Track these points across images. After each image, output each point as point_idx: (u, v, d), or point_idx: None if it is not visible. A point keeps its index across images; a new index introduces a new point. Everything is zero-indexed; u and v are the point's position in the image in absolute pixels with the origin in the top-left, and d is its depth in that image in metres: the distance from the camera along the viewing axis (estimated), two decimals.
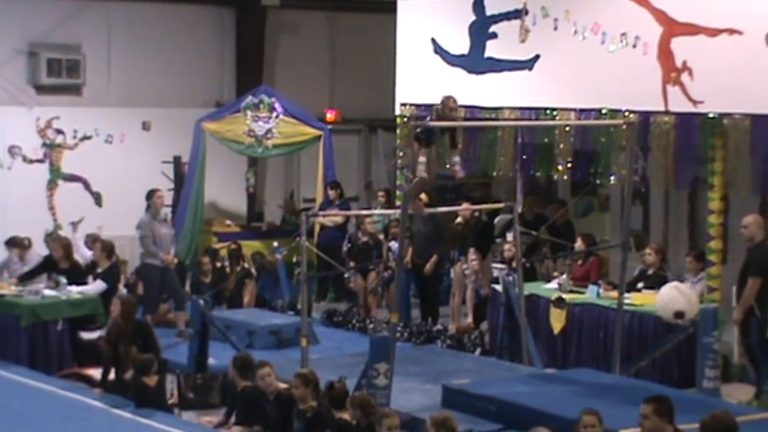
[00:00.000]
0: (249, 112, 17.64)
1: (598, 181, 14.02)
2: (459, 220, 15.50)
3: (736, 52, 12.09)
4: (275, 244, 17.12)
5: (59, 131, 18.03)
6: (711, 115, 12.34)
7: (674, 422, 7.87)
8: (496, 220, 16.21)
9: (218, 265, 16.28)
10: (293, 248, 15.70)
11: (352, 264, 15.78)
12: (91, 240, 15.13)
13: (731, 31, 12.12)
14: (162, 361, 11.48)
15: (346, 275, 15.98)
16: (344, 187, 17.94)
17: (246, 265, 16.49)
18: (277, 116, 17.68)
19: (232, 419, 10.58)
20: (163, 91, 18.72)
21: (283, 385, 10.26)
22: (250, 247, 17.53)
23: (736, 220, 12.71)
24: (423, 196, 15.32)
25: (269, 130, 17.66)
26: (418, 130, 11.09)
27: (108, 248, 14.05)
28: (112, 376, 11.69)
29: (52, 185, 18.03)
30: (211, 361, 12.33)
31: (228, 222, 18.67)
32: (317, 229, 17.09)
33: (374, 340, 11.06)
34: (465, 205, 15.39)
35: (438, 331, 14.63)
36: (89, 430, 10.63)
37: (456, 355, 13.66)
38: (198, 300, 12.85)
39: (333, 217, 16.73)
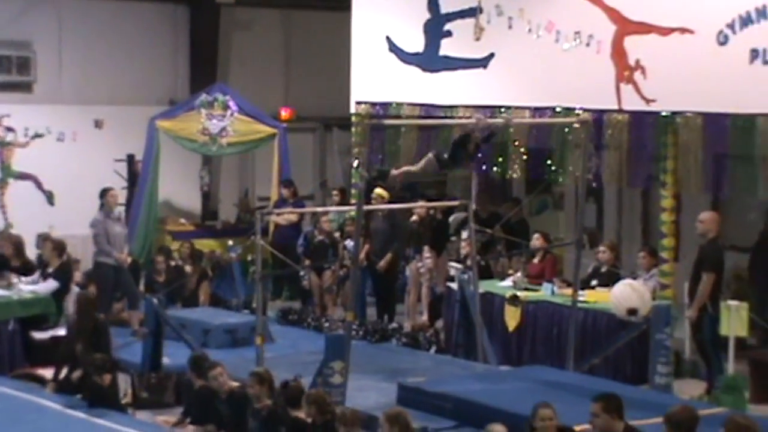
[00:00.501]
0: (203, 110, 17.56)
1: (552, 179, 14.08)
2: (414, 218, 15.51)
3: (689, 51, 12.18)
4: (230, 242, 17.06)
5: (10, 129, 17.85)
6: (664, 114, 12.43)
7: (624, 418, 7.93)
8: (451, 218, 16.25)
9: (173, 263, 16.19)
10: (248, 247, 15.67)
11: (307, 262, 15.76)
12: (42, 239, 15.00)
13: (683, 30, 12.21)
14: (114, 360, 11.40)
15: (301, 273, 15.94)
16: (299, 186, 17.90)
17: (202, 264, 16.42)
18: (231, 114, 17.61)
19: (189, 419, 10.54)
20: (116, 89, 18.58)
21: (236, 384, 10.22)
22: (204, 245, 17.46)
23: (689, 217, 12.83)
24: (382, 192, 15.38)
25: (224, 129, 17.59)
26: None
27: (59, 247, 13.94)
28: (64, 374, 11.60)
29: (3, 184, 17.86)
30: (165, 360, 12.26)
31: (182, 220, 18.58)
32: (272, 227, 17.04)
33: (330, 338, 11.05)
34: (420, 203, 15.41)
35: (393, 329, 14.64)
36: (42, 431, 10.53)
37: (411, 353, 13.67)
38: (152, 299, 12.78)
39: (287, 216, 16.69)
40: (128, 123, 18.11)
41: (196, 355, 10.94)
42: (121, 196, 16.61)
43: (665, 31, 12.38)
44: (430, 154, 11.39)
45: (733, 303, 11.59)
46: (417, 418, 10.25)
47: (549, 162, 13.69)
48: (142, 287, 15.66)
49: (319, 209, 16.88)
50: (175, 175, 18.32)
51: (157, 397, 11.82)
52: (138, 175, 17.72)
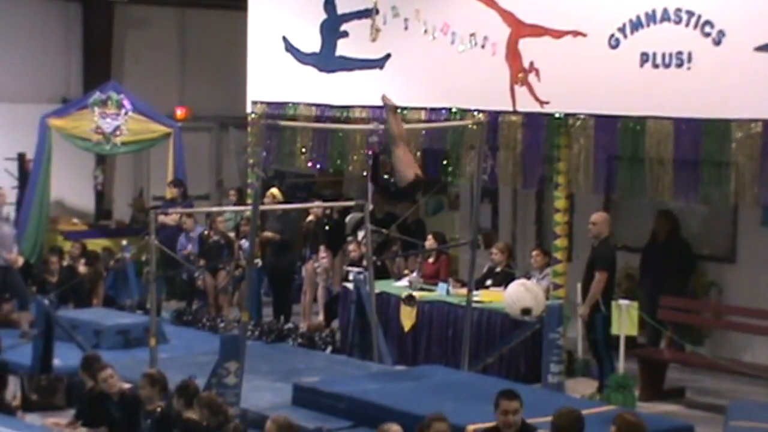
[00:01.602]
0: (96, 109, 17.33)
1: (448, 180, 14.16)
2: (310, 218, 15.48)
3: (581, 54, 12.34)
4: (124, 242, 16.84)
5: None
6: (557, 115, 12.58)
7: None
8: (348, 218, 16.25)
9: (65, 263, 15.93)
10: (142, 247, 15.48)
11: (202, 263, 15.63)
12: None
13: (576, 33, 12.38)
14: (2, 362, 11.17)
15: (196, 274, 15.81)
16: (195, 185, 17.77)
17: (98, 265, 16.19)
18: (125, 113, 17.41)
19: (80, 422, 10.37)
20: (6, 86, 18.24)
21: (127, 386, 10.09)
22: (98, 245, 17.22)
23: (581, 218, 13.00)
24: (275, 192, 15.30)
25: (117, 127, 17.38)
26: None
27: None
28: None
29: None
30: (56, 362, 12.05)
31: (75, 220, 18.31)
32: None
33: (224, 338, 10.96)
34: (316, 203, 15.38)
35: (289, 329, 14.58)
36: None
37: (307, 353, 13.64)
38: (42, 300, 12.56)
39: (173, 216, 16.46)
40: (19, 121, 17.79)
41: (87, 356, 10.76)
42: (12, 195, 16.33)
43: (558, 34, 12.54)
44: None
45: (623, 302, 11.78)
46: (312, 418, 10.25)
47: (444, 162, 13.77)
48: (33, 288, 15.38)
49: (213, 209, 16.75)
50: (67, 174, 18.04)
51: (48, 399, 11.60)
52: (29, 174, 17.41)
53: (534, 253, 13.52)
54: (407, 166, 10.84)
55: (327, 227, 15.45)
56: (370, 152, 11.14)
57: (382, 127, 11.22)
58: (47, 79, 18.81)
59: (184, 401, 9.14)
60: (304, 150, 15.26)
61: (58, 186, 17.75)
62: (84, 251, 16.31)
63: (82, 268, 15.96)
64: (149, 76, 19.34)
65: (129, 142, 17.52)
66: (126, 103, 17.44)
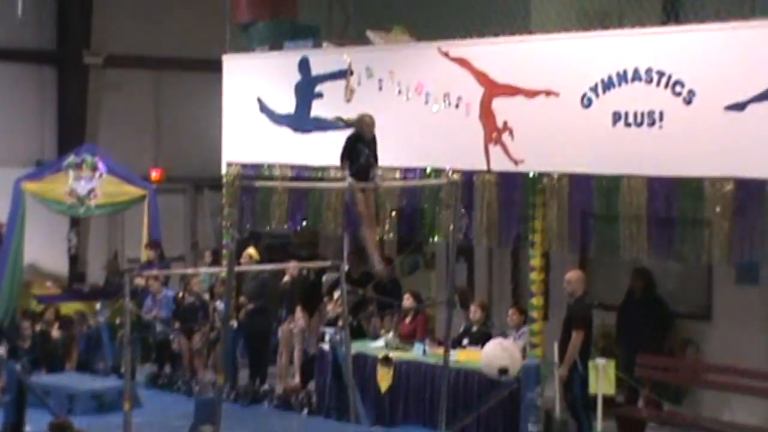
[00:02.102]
0: (71, 171, 17.30)
1: (423, 239, 14.16)
2: (287, 278, 15.43)
3: (554, 113, 12.41)
4: (98, 305, 16.73)
5: None
6: (531, 174, 12.62)
7: None
8: (324, 277, 16.20)
9: (38, 328, 15.79)
10: (116, 310, 15.38)
11: (177, 325, 15.53)
12: None
13: (549, 93, 12.46)
14: None
15: (170, 336, 15.69)
16: (170, 247, 17.71)
17: (69, 329, 16.06)
18: (100, 175, 17.38)
19: None
20: None
21: None
22: (72, 309, 17.10)
23: (557, 276, 13.01)
24: (252, 251, 15.26)
25: (92, 190, 17.34)
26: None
27: None
28: None
29: None
30: (28, 428, 11.91)
31: (48, 284, 18.19)
32: (140, 290, 16.76)
33: (199, 401, 10.89)
34: (293, 263, 15.34)
35: (265, 391, 14.48)
36: None
37: (283, 415, 13.56)
38: (14, 365, 12.43)
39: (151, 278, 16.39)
40: None
41: (56, 421, 10.61)
42: None
43: (531, 94, 12.61)
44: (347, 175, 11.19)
45: (600, 361, 11.75)
46: None
47: (420, 221, 13.77)
48: (4, 352, 15.22)
49: (189, 271, 16.69)
50: (41, 237, 17.96)
51: None
52: (2, 237, 17.30)
53: (510, 311, 13.50)
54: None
55: (304, 287, 15.41)
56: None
57: (360, 185, 11.25)
58: (21, 142, 18.79)
59: None
60: (279, 211, 15.24)
61: (31, 249, 17.66)
62: (57, 315, 16.19)
63: (55, 333, 15.83)
64: (124, 138, 19.34)
65: (103, 204, 17.48)
66: (101, 165, 17.42)
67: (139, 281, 16.18)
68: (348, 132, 11.33)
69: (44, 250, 18.47)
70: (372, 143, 11.16)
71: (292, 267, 15.25)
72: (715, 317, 13.50)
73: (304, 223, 15.14)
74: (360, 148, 11.05)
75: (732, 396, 12.74)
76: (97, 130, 19.45)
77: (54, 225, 18.44)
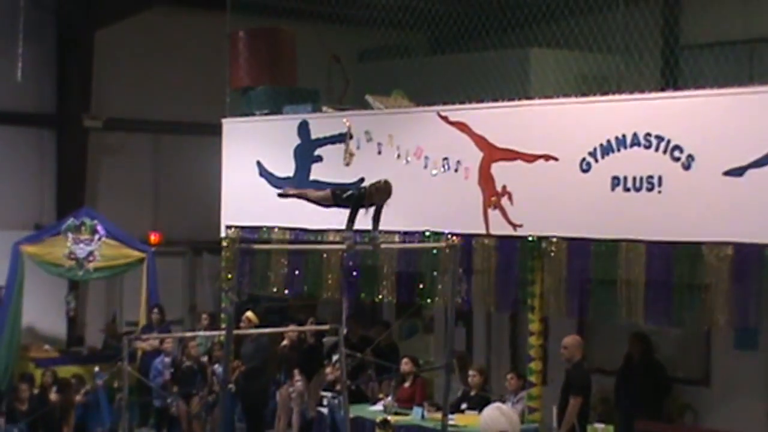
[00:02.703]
0: (70, 234, 17.33)
1: (422, 303, 14.14)
2: (285, 342, 15.39)
3: (553, 178, 12.45)
4: (96, 369, 16.66)
5: None
6: (530, 239, 12.65)
7: None
8: (324, 340, 16.16)
9: (35, 391, 15.72)
10: (114, 373, 15.32)
11: (175, 389, 15.45)
12: None
13: (548, 158, 12.51)
14: None
15: (168, 400, 15.62)
16: (168, 310, 17.67)
17: (67, 392, 15.98)
18: (99, 238, 17.41)
19: None
20: None
21: None
22: (69, 372, 17.02)
23: (556, 341, 12.97)
24: (250, 315, 15.22)
25: (91, 253, 17.35)
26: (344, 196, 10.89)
27: None
28: None
29: None
30: None
31: (46, 347, 18.11)
32: (139, 353, 16.73)
33: None
34: (291, 327, 15.31)
35: None
36: None
37: None
38: (12, 429, 12.34)
39: (152, 342, 16.39)
40: None
41: None
42: None
43: (530, 158, 12.66)
44: (328, 190, 11.17)
45: (599, 426, 11.70)
46: None
47: (419, 285, 13.77)
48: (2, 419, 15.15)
49: (187, 334, 16.65)
50: (39, 300, 17.93)
51: None
52: (0, 301, 17.27)
53: (508, 376, 13.46)
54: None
55: (302, 351, 15.37)
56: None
57: (356, 246, 11.20)
58: (20, 205, 18.79)
59: None
60: (277, 275, 15.23)
61: (29, 312, 17.62)
62: (55, 379, 16.11)
63: (53, 396, 15.75)
64: (123, 201, 19.37)
65: (102, 267, 17.47)
66: (100, 228, 17.45)
67: (141, 344, 16.16)
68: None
69: (42, 312, 18.42)
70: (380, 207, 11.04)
71: (290, 330, 15.22)
72: (714, 383, 13.47)
73: (304, 288, 15.14)
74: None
75: None
76: (96, 193, 19.48)
77: (52, 288, 18.41)
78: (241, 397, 15.30)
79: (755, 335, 12.60)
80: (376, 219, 11.00)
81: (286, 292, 15.77)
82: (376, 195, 10.77)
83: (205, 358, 15.97)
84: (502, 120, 13.01)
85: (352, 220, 10.69)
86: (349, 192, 10.80)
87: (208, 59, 18.05)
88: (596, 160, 12.09)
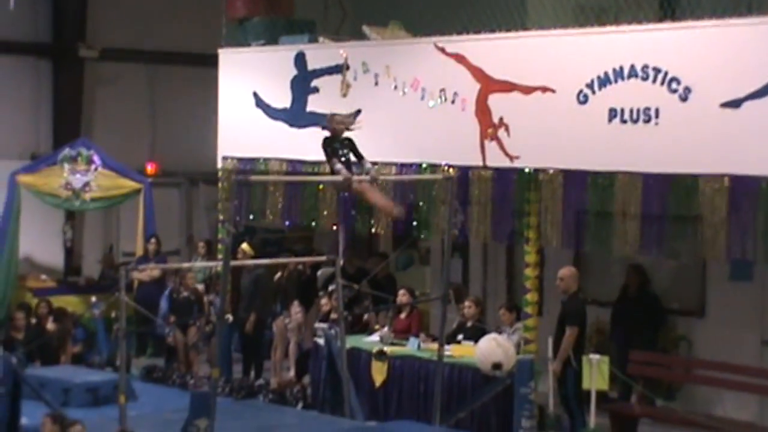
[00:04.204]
0: (66, 165, 17.31)
1: (418, 235, 14.18)
2: (279, 274, 15.45)
3: (550, 110, 12.43)
4: (93, 299, 16.74)
5: None
6: (526, 170, 12.65)
7: None
8: (319, 272, 16.23)
9: (32, 321, 15.81)
10: (112, 303, 15.40)
11: (172, 319, 15.54)
12: None
13: (545, 89, 12.47)
14: None
15: (166, 330, 15.72)
16: (165, 241, 17.71)
17: (64, 321, 16.07)
18: (95, 169, 17.39)
19: None
20: None
21: None
22: (67, 302, 17.10)
23: (552, 272, 13.04)
24: (246, 247, 15.26)
25: (87, 183, 17.35)
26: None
27: None
28: None
29: None
30: (23, 420, 11.91)
31: (43, 277, 18.19)
32: (135, 284, 16.80)
33: (194, 395, 10.89)
34: (288, 259, 15.36)
35: (260, 385, 14.50)
36: None
37: (278, 409, 13.56)
38: (9, 357, 12.43)
39: (150, 272, 16.46)
40: None
41: (52, 414, 10.65)
42: None
43: (527, 90, 12.62)
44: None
45: (594, 357, 11.78)
46: None
47: (415, 217, 13.79)
48: None
49: (184, 265, 16.71)
50: (36, 230, 17.96)
51: None
52: None
53: (501, 311, 13.52)
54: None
55: (299, 282, 15.43)
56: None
57: (355, 178, 11.22)
58: (16, 135, 18.77)
59: None
60: (274, 206, 15.24)
61: (26, 242, 17.66)
62: (51, 308, 16.20)
63: (49, 326, 15.84)
64: (120, 132, 19.34)
65: (99, 198, 17.48)
66: (96, 159, 17.43)
67: (138, 275, 16.23)
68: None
69: (39, 243, 18.47)
70: (347, 141, 11.13)
71: (286, 262, 15.27)
72: (709, 314, 13.55)
73: (301, 220, 15.17)
74: (336, 147, 11.05)
75: (724, 392, 12.79)
76: (93, 124, 19.44)
77: (49, 218, 18.44)
78: (238, 328, 15.39)
79: (750, 267, 12.67)
80: (355, 152, 11.03)
81: (284, 223, 15.82)
82: (338, 128, 10.85)
83: (201, 287, 16.03)
84: (499, 51, 12.95)
85: (329, 158, 10.77)
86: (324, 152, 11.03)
87: None
88: (593, 92, 12.06)
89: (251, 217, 15.49)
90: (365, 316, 15.06)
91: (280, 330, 15.43)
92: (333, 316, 13.72)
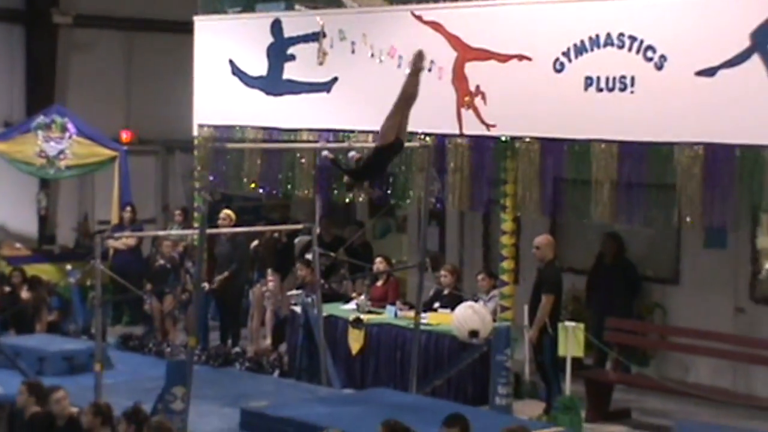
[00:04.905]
0: (40, 132, 17.20)
1: (395, 203, 14.18)
2: (255, 242, 15.43)
3: (527, 78, 12.44)
4: (69, 267, 16.67)
5: None
6: (503, 139, 12.66)
7: None
8: (296, 240, 16.22)
9: (6, 289, 15.74)
10: (87, 271, 15.35)
11: (148, 287, 15.52)
12: None
13: (521, 57, 12.48)
14: None
15: (145, 297, 15.69)
16: (141, 209, 17.65)
17: (38, 290, 16.01)
18: (69, 137, 17.29)
19: None
20: None
21: (76, 410, 9.97)
22: (41, 270, 17.03)
23: (528, 240, 13.08)
24: (230, 213, 15.21)
25: (62, 151, 17.25)
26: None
27: None
28: None
29: None
30: None
31: (18, 245, 18.09)
32: (111, 252, 16.75)
33: (171, 364, 10.90)
34: (263, 227, 15.34)
35: (237, 353, 14.52)
36: None
37: (254, 377, 13.59)
38: None
39: (126, 240, 16.41)
40: None
41: (30, 381, 10.64)
42: None
43: (504, 58, 12.63)
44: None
45: (569, 324, 11.85)
46: None
47: (392, 185, 13.79)
48: None
49: (161, 233, 16.66)
50: (10, 198, 17.88)
51: None
52: None
53: (479, 276, 13.57)
54: (392, 129, 10.76)
55: (276, 250, 15.42)
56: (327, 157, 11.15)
57: (329, 144, 11.21)
58: None
59: (134, 428, 9.04)
60: (251, 174, 15.21)
61: (0, 210, 17.56)
62: (26, 277, 16.13)
63: (24, 294, 15.78)
64: (94, 99, 19.20)
65: (73, 165, 17.39)
66: (70, 126, 17.32)
67: (113, 243, 16.17)
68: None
69: (13, 211, 18.37)
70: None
71: (263, 230, 15.25)
72: (683, 282, 13.64)
73: (278, 188, 15.15)
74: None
75: (698, 359, 12.90)
76: (67, 91, 19.30)
77: (24, 186, 18.34)
78: (215, 296, 15.38)
79: (724, 234, 12.75)
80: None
81: (260, 191, 15.79)
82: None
83: (177, 253, 15.97)
84: (476, 20, 12.94)
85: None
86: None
87: None
88: (569, 60, 12.07)
89: (228, 185, 15.45)
90: (343, 284, 15.08)
91: (258, 298, 15.44)
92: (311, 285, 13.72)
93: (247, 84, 15.35)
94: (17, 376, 11.97)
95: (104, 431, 9.36)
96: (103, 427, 9.38)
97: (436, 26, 13.22)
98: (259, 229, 15.27)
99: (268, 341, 15.21)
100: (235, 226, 15.20)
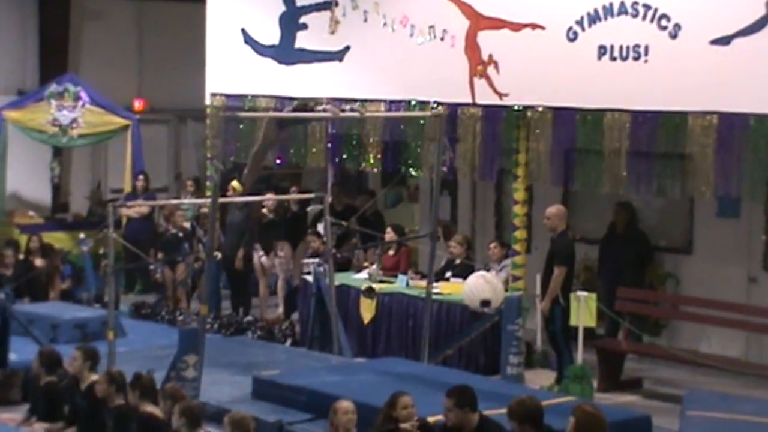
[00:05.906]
0: (53, 101, 17.20)
1: (407, 172, 14.17)
2: (264, 210, 15.43)
3: (539, 47, 12.39)
4: (81, 235, 16.70)
5: None
6: (515, 108, 12.62)
7: (478, 409, 8.02)
8: (309, 208, 16.23)
9: (21, 257, 15.80)
10: (100, 240, 15.38)
11: (160, 255, 15.55)
12: None
13: (534, 26, 12.42)
14: None
15: (151, 267, 15.72)
16: (153, 178, 17.67)
17: (52, 258, 16.07)
18: (82, 105, 17.30)
19: (35, 417, 10.28)
20: None
21: (95, 377, 9.98)
22: (55, 239, 17.08)
23: (540, 210, 13.06)
24: (236, 185, 15.22)
25: (74, 120, 17.26)
26: None
27: None
28: None
29: None
30: (12, 356, 11.94)
31: (31, 213, 18.14)
32: (124, 220, 16.78)
33: (183, 332, 10.94)
34: (275, 195, 15.33)
35: (248, 322, 14.55)
36: None
37: (266, 346, 13.62)
38: None
39: (139, 208, 16.44)
40: None
41: (45, 349, 10.68)
42: None
43: (517, 27, 12.57)
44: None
45: (581, 294, 11.84)
46: (272, 411, 10.25)
47: (404, 154, 13.78)
48: None
49: (173, 201, 16.68)
50: (24, 166, 17.90)
51: (3, 394, 11.49)
52: None
53: (491, 245, 13.57)
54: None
55: (287, 219, 15.42)
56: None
57: (341, 113, 11.19)
58: (2, 71, 18.62)
59: (139, 394, 9.08)
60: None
61: (13, 179, 17.61)
62: (41, 244, 16.18)
63: (38, 262, 15.84)
64: (107, 68, 19.19)
65: (86, 134, 17.40)
66: (83, 95, 17.32)
67: (126, 211, 16.19)
68: None
69: (27, 179, 18.41)
70: None
71: (275, 199, 15.24)
72: (696, 251, 13.61)
73: (289, 157, 15.14)
74: None
75: (710, 328, 12.89)
76: (79, 60, 19.28)
77: (36, 154, 18.37)
78: (226, 265, 15.40)
79: (737, 204, 12.72)
80: None
81: (273, 160, 15.78)
82: None
83: (187, 224, 15.99)
84: None
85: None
86: None
87: None
88: (583, 29, 12.01)
89: (240, 153, 15.45)
90: (354, 253, 15.08)
91: (258, 267, 15.41)
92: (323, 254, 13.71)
93: (259, 53, 15.32)
94: (31, 344, 12.01)
95: (118, 399, 9.39)
96: (117, 393, 9.42)
97: None
98: (271, 198, 15.26)
99: (280, 310, 15.24)
100: (247, 194, 15.17)
